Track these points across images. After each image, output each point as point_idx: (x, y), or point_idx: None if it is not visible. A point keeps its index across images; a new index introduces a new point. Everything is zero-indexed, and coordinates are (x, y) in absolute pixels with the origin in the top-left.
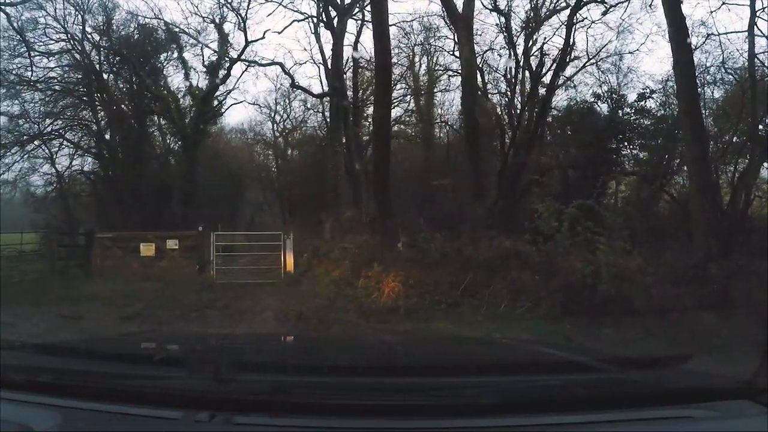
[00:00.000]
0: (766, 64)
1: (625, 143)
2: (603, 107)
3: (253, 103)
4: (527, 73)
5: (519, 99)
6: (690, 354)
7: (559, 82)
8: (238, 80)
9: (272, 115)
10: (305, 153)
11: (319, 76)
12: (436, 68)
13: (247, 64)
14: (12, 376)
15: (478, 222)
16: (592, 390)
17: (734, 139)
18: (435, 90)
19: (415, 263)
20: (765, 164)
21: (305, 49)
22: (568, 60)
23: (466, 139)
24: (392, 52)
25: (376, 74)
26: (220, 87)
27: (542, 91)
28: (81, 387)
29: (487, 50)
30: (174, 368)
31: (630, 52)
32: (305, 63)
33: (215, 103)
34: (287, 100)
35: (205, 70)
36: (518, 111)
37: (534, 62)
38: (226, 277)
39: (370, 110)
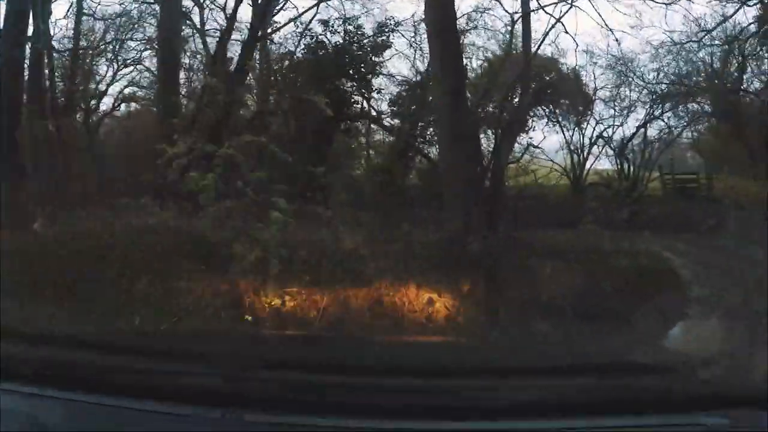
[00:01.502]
0: None
1: (364, 87)
2: (335, 39)
3: None
4: None
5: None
6: (701, 360)
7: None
8: None
9: None
10: None
11: None
12: None
13: None
14: (20, 367)
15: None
16: (602, 395)
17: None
18: None
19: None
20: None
21: None
22: None
23: None
24: None
25: None
26: None
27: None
28: (90, 380)
29: None
30: (187, 364)
31: None
32: None
33: None
34: None
35: None
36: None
37: None
38: None
39: None
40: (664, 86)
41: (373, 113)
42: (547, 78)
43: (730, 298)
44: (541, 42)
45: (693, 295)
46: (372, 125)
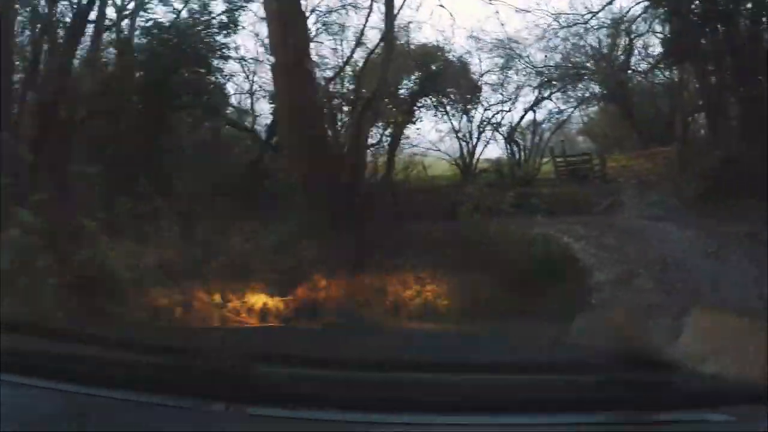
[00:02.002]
0: None
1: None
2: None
3: None
4: None
5: None
6: (705, 356)
7: None
8: None
9: None
10: None
11: None
12: None
13: None
14: (17, 359)
15: None
16: (602, 390)
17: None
18: None
19: None
20: None
21: None
22: None
23: None
24: None
25: None
26: None
27: None
28: (92, 373)
29: None
30: (190, 358)
31: None
32: None
33: None
34: None
35: None
36: None
37: None
38: None
39: None
40: (552, 69)
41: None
42: (434, 67)
43: (639, 281)
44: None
45: (596, 281)
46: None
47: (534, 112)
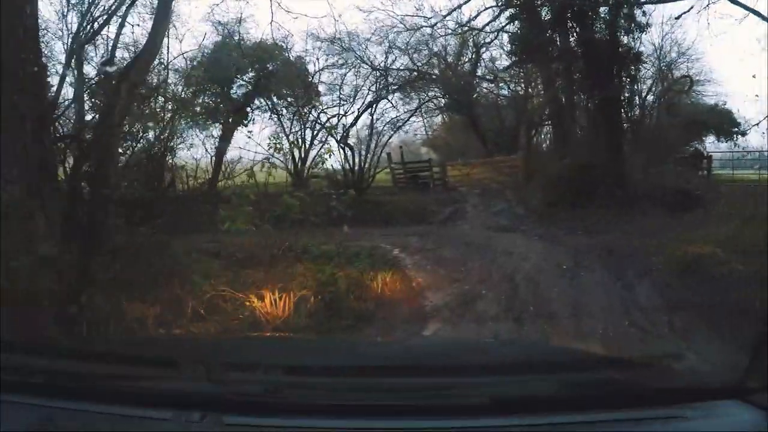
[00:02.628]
0: None
1: None
2: None
3: None
4: None
5: None
6: (680, 353)
7: None
8: None
9: None
10: None
11: None
12: None
13: None
14: (3, 376)
15: None
16: (582, 390)
17: None
18: None
19: None
20: None
21: None
22: None
23: None
24: None
25: None
26: None
27: None
28: (71, 388)
29: None
30: (165, 369)
31: None
32: None
33: None
34: None
35: None
36: None
37: None
38: None
39: None
40: (393, 72)
41: None
42: (270, 67)
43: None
44: None
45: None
46: None
47: (371, 115)
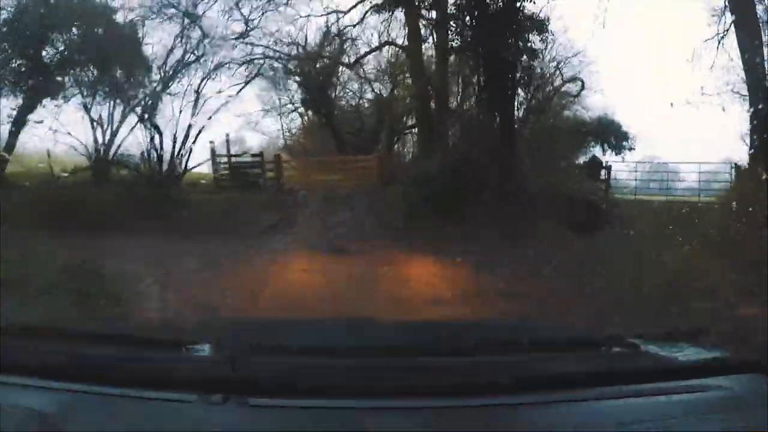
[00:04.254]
0: None
1: None
2: None
3: None
4: None
5: None
6: (701, 328)
7: None
8: None
9: None
10: None
11: None
12: None
13: None
14: (21, 360)
15: None
16: (604, 365)
17: None
18: None
19: None
20: None
21: None
22: None
23: None
24: None
25: None
26: None
27: None
28: (92, 371)
29: None
30: (188, 351)
31: None
32: None
33: None
34: None
35: None
36: None
37: None
38: None
39: None
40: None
41: None
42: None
43: None
44: None
45: None
46: None
47: (197, 92)
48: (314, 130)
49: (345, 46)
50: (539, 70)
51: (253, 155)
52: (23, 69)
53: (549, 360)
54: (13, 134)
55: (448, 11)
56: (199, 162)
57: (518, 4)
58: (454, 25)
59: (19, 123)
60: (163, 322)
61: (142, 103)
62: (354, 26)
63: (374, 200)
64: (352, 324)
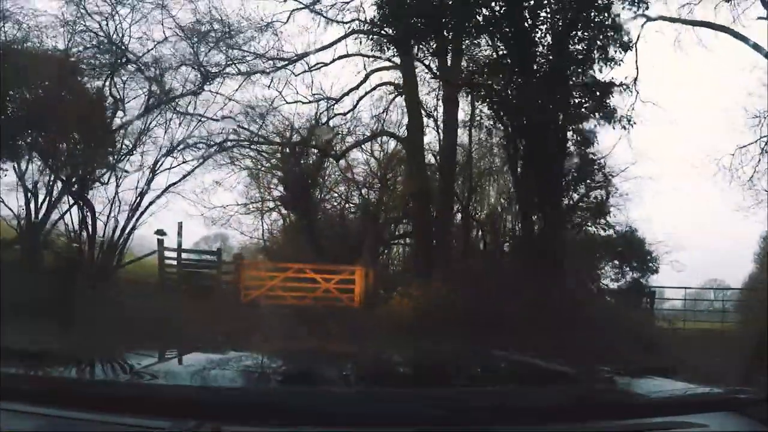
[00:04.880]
0: None
1: None
2: None
3: None
4: None
5: None
6: (677, 365)
7: None
8: None
9: None
10: None
11: None
12: None
13: None
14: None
15: None
16: (582, 400)
17: None
18: None
19: None
20: None
21: None
22: None
23: None
24: None
25: None
26: None
27: None
28: (66, 395)
29: None
30: (163, 377)
31: None
32: None
33: None
34: None
35: None
36: None
37: None
38: None
39: None
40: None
41: None
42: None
43: None
44: None
45: None
46: None
47: (152, 171)
48: (293, 232)
49: (334, 138)
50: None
51: (209, 252)
52: None
53: (528, 392)
54: None
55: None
56: (145, 254)
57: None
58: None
59: None
60: (141, 349)
61: (90, 174)
62: (346, 114)
63: (352, 326)
64: (330, 353)
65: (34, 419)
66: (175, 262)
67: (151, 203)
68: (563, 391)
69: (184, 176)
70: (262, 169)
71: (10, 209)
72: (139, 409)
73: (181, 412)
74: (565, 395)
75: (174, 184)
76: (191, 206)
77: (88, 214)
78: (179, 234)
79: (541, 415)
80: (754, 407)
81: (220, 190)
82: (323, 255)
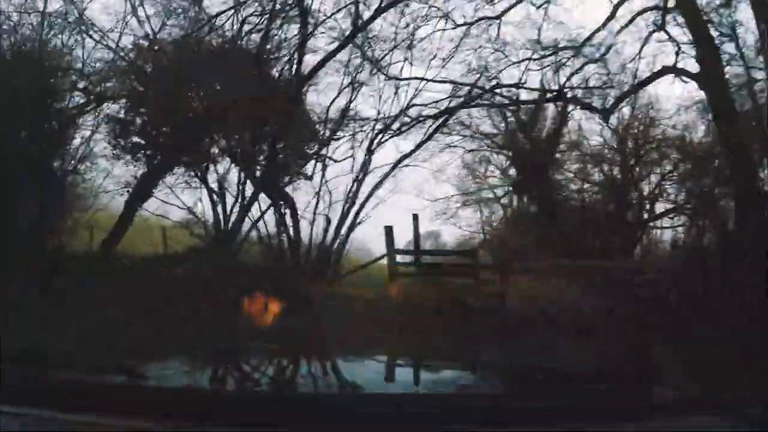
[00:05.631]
0: None
1: None
2: None
3: None
4: None
5: None
6: (661, 371)
7: None
8: None
9: None
10: None
11: None
12: None
13: None
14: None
15: None
16: (583, 402)
17: None
18: None
19: None
20: None
21: None
22: None
23: None
24: None
25: None
26: None
27: None
28: (63, 398)
29: None
30: (147, 378)
31: None
32: None
33: None
34: None
35: None
36: None
37: None
38: None
39: None
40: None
41: None
42: None
43: None
44: None
45: None
46: None
47: (369, 153)
48: (522, 222)
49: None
50: None
51: (456, 252)
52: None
53: (538, 392)
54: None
55: None
56: (376, 257)
57: None
58: None
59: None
60: (129, 351)
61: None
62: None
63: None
64: (321, 361)
65: (27, 421)
66: (412, 268)
67: (382, 180)
68: (564, 392)
69: (418, 146)
70: (493, 149)
71: (195, 215)
72: (122, 410)
73: (163, 413)
74: (565, 397)
75: (407, 155)
76: (410, 199)
77: (287, 212)
78: (415, 227)
79: (548, 415)
80: (735, 410)
81: (438, 181)
82: (571, 247)
